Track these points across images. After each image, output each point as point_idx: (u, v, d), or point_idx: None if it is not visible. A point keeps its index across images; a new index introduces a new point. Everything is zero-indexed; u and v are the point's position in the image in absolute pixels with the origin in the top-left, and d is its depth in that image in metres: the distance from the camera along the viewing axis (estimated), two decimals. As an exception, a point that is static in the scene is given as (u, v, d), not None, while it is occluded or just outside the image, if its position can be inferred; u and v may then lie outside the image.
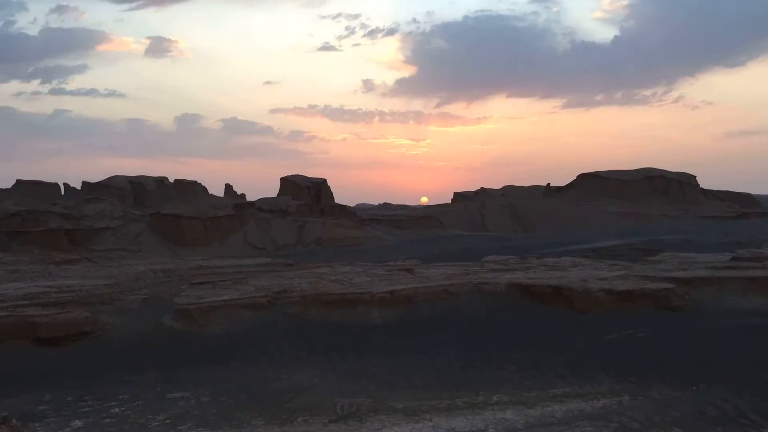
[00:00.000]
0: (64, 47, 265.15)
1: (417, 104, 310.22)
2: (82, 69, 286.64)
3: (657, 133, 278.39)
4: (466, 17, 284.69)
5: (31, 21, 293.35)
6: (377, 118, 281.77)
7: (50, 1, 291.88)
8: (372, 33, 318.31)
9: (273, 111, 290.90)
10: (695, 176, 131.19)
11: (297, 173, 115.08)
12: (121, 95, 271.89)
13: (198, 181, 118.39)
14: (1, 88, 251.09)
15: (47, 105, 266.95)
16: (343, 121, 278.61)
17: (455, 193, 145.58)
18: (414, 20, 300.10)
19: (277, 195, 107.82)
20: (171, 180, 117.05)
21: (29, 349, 25.29)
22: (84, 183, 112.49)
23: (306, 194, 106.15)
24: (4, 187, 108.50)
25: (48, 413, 18.18)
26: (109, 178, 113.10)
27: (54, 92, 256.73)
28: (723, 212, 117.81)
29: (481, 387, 18.96)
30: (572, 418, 15.92)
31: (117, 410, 18.14)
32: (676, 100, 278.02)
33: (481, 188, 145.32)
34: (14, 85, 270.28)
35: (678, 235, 73.60)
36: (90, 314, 27.99)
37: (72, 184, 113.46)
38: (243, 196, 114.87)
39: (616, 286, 30.33)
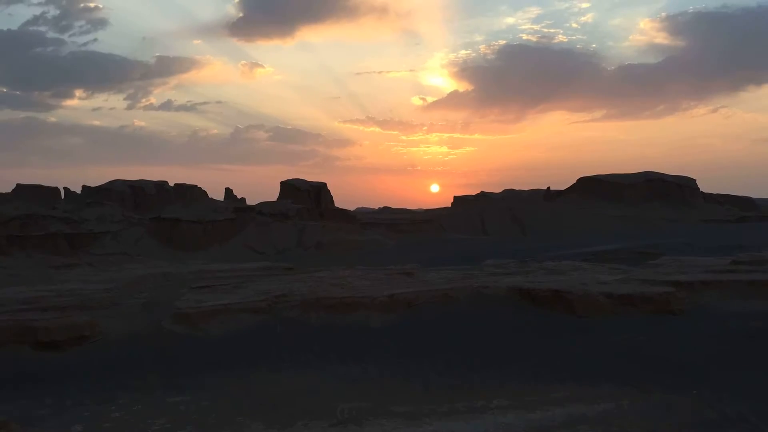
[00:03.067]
0: (167, 71, 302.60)
1: (465, 116, 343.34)
2: (173, 88, 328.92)
3: (695, 141, 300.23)
4: (517, 37, 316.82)
5: (148, 50, 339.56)
6: (426, 127, 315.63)
7: (167, 34, 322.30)
8: (439, 56, 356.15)
9: (339, 122, 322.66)
10: (695, 180, 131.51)
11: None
12: (194, 109, 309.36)
13: (198, 185, 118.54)
14: (83, 103, 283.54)
15: (122, 119, 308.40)
16: (395, 130, 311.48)
17: (455, 197, 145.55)
18: (474, 43, 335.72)
19: (277, 199, 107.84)
20: (171, 184, 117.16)
21: (29, 353, 25.26)
22: (84, 187, 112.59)
23: (306, 198, 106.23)
24: (4, 191, 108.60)
25: (48, 417, 18.16)
26: (110, 183, 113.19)
27: (130, 107, 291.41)
28: (723, 216, 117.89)
29: (481, 391, 18.95)
30: (573, 422, 15.91)
31: (117, 414, 18.11)
32: (714, 110, 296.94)
33: (481, 192, 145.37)
34: (95, 101, 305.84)
35: (678, 239, 73.59)
36: (90, 318, 27.96)
37: (72, 189, 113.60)
38: (243, 200, 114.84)
39: (617, 289, 30.34)
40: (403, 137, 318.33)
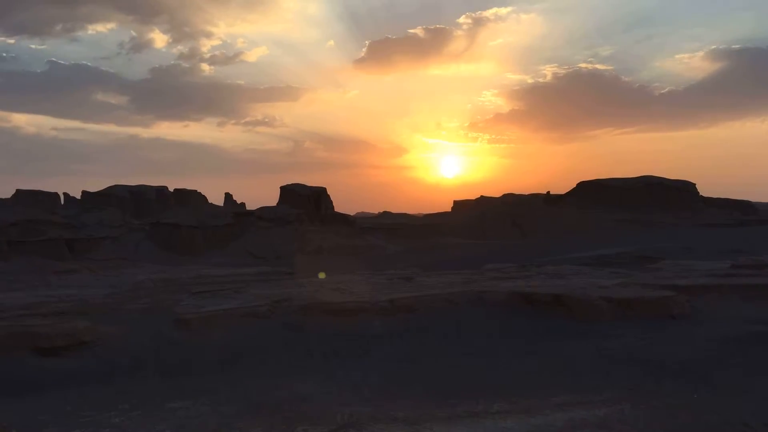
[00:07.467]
0: (267, 98, 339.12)
1: (521, 131, 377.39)
2: (265, 110, 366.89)
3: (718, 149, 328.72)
4: (570, 65, 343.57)
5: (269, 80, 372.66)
6: (480, 140, 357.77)
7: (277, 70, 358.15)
8: (504, 79, 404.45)
9: (406, 134, 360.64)
10: (695, 184, 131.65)
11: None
12: (269, 124, 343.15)
13: (197, 191, 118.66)
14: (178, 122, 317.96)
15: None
16: (452, 142, 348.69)
17: (455, 201, 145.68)
18: (533, 69, 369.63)
19: (277, 204, 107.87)
20: (171, 189, 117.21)
21: (29, 359, 25.23)
22: (84, 193, 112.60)
23: (306, 203, 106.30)
24: (4, 197, 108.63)
25: (48, 423, 18.12)
26: (109, 188, 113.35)
27: (220, 125, 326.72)
28: (723, 220, 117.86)
29: (481, 395, 18.91)
30: (574, 427, 15.87)
31: (117, 420, 18.08)
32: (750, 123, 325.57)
33: (481, 196, 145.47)
34: (188, 121, 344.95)
35: (678, 243, 73.57)
36: (90, 324, 27.95)
37: (72, 194, 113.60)
38: (243, 205, 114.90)
39: (617, 293, 30.33)
40: (460, 148, 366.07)
